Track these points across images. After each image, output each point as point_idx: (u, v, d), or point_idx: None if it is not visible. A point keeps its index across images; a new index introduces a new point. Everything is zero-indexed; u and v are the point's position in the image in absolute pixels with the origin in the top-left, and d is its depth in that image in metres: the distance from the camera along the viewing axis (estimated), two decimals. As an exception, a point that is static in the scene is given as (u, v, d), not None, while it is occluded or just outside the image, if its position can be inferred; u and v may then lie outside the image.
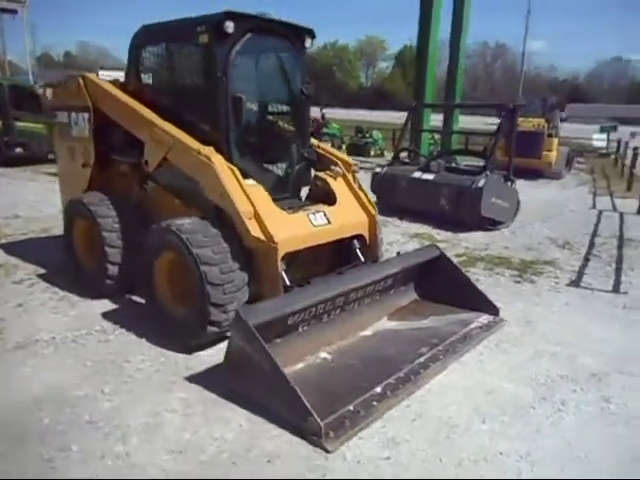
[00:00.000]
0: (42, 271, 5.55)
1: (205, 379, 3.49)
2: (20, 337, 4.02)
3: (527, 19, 42.10)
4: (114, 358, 3.76)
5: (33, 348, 3.86)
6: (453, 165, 9.14)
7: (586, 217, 9.62)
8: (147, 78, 4.76)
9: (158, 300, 4.11)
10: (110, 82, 4.94)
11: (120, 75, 5.35)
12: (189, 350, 3.87)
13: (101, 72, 8.40)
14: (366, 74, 70.05)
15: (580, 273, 6.12)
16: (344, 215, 4.48)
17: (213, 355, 3.85)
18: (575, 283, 5.78)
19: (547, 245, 7.42)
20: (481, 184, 7.61)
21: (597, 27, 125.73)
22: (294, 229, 3.98)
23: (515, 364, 3.86)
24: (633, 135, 19.62)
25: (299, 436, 2.89)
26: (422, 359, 3.79)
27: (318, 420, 2.83)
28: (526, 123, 13.85)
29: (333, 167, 4.75)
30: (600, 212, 10.05)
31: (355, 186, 4.76)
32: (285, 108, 4.56)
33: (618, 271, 6.21)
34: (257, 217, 3.80)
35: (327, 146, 5.07)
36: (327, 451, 2.78)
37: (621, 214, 9.91)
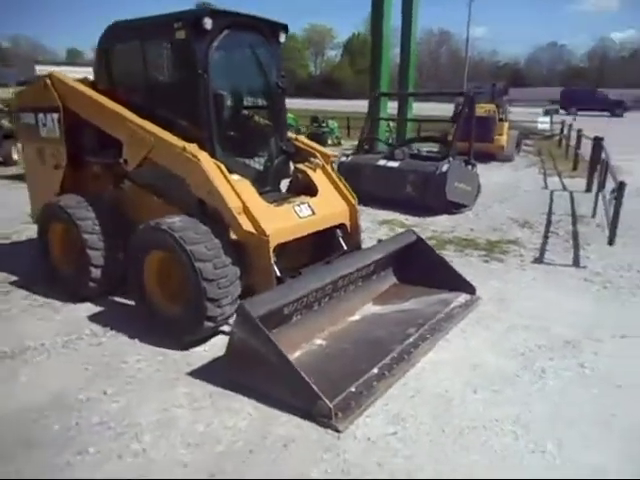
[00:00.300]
0: (14, 278, 5.39)
1: (206, 373, 3.55)
2: (6, 346, 3.94)
3: (470, 6, 43.18)
4: (110, 360, 3.75)
5: (23, 357, 3.80)
6: (415, 152, 9.40)
7: (540, 197, 10.15)
8: (118, 76, 4.69)
9: (148, 300, 4.12)
10: (79, 80, 4.84)
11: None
12: (184, 347, 3.91)
13: (38, 67, 8.13)
14: (315, 63, 70.04)
15: (542, 250, 6.52)
16: (326, 205, 4.61)
17: (208, 350, 3.92)
18: (539, 260, 6.15)
19: (509, 225, 7.82)
20: (445, 169, 7.91)
21: (534, 13, 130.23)
22: (282, 221, 4.08)
23: (496, 338, 4.13)
24: (574, 118, 20.67)
25: (308, 420, 3.02)
26: (411, 339, 3.99)
27: (328, 402, 2.97)
28: (478, 109, 14.32)
29: (312, 159, 4.85)
30: (552, 192, 10.62)
31: (334, 177, 4.89)
32: (262, 102, 4.62)
33: (576, 247, 6.64)
34: (247, 211, 3.87)
35: (304, 138, 5.16)
36: (338, 431, 2.93)
37: (571, 193, 10.52)
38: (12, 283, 5.26)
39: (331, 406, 2.97)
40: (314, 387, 3.02)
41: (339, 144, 18.20)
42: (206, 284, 3.67)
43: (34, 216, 5.60)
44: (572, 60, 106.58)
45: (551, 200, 9.73)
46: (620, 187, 5.74)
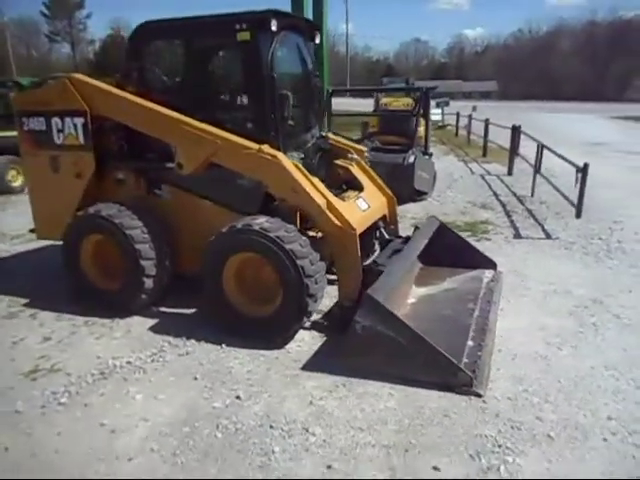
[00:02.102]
0: (24, 300, 4.92)
1: (321, 366, 3.67)
2: (92, 369, 3.68)
3: (346, 2, 44.91)
4: (213, 367, 3.70)
5: (118, 376, 3.60)
6: (375, 145, 9.89)
7: (475, 181, 11.25)
8: (156, 77, 4.51)
9: (229, 303, 4.07)
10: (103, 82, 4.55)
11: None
12: (278, 346, 3.96)
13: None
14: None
15: (515, 228, 7.37)
16: (374, 198, 4.88)
17: (302, 346, 4.01)
18: (518, 236, 6.97)
19: (471, 208, 8.65)
20: (412, 160, 8.50)
21: (398, 10, 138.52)
22: (356, 215, 4.27)
23: (539, 304, 4.73)
24: (474, 108, 22.76)
25: (447, 391, 3.31)
26: (477, 313, 4.42)
27: (469, 373, 3.30)
28: (396, 103, 15.27)
29: (349, 155, 5.07)
30: (482, 176, 11.80)
31: (369, 171, 5.16)
32: (306, 101, 4.74)
33: (539, 223, 7.59)
34: (331, 207, 4.01)
35: (336, 136, 5.34)
36: (480, 396, 3.27)
37: (498, 176, 11.77)
38: (28, 305, 4.82)
39: (472, 375, 3.30)
40: (454, 360, 3.32)
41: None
42: (307, 280, 3.77)
43: (40, 231, 5.14)
44: (435, 55, 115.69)
45: (487, 184, 10.83)
46: (584, 168, 6.72)
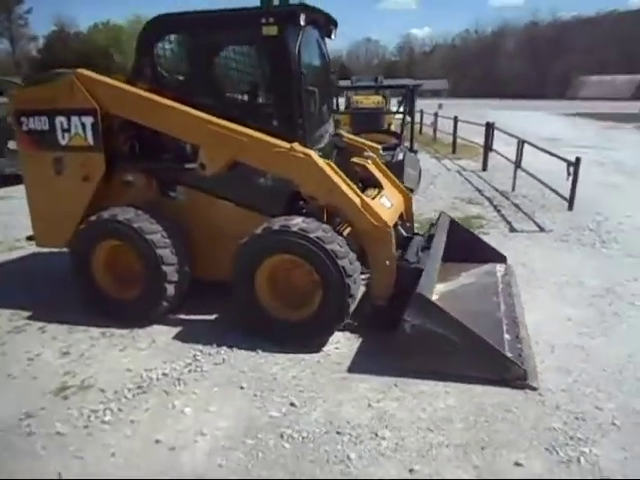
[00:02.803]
0: (27, 313, 4.58)
1: (367, 368, 3.60)
2: (128, 383, 3.46)
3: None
4: (255, 375, 3.55)
5: (157, 389, 3.40)
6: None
7: (453, 177, 11.46)
8: (171, 74, 4.30)
9: (262, 308, 3.93)
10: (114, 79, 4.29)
11: None
12: (313, 349, 3.86)
13: None
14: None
15: (507, 222, 7.53)
16: (393, 196, 4.84)
17: (340, 347, 3.93)
18: (513, 230, 7.13)
19: (460, 203, 8.79)
20: (401, 157, 8.52)
21: (348, 10, 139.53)
22: (385, 212, 4.22)
23: (556, 295, 4.84)
24: (440, 106, 23.18)
25: (501, 385, 3.32)
26: (503, 307, 4.47)
27: (522, 366, 3.32)
28: (367, 100, 15.36)
29: (365, 153, 5.02)
30: (458, 173, 12.04)
31: (384, 168, 5.12)
32: (324, 97, 4.64)
33: (528, 216, 7.80)
34: (365, 205, 3.94)
35: (347, 134, 5.27)
36: (535, 389, 3.29)
37: (474, 172, 12.04)
38: (33, 318, 4.49)
39: (525, 369, 3.32)
40: (507, 355, 3.34)
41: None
42: (348, 280, 3.69)
43: (41, 239, 4.82)
44: (385, 54, 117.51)
45: (467, 180, 11.05)
46: (577, 162, 6.95)
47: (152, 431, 2.98)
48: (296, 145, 3.89)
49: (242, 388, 3.40)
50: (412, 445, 2.82)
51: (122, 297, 4.32)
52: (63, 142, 4.36)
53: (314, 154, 3.90)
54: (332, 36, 4.69)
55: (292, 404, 3.21)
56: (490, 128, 11.98)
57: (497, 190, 9.82)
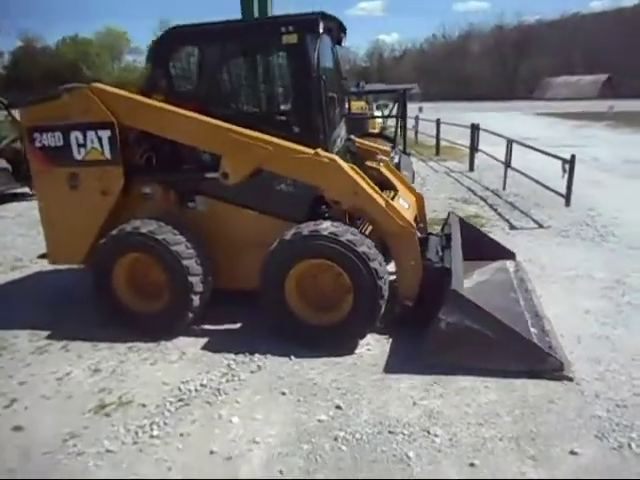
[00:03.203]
0: (45, 332, 4.47)
1: (403, 367, 3.64)
2: (168, 396, 3.42)
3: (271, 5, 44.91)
4: (294, 380, 3.56)
5: (198, 400, 3.37)
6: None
7: (443, 178, 11.65)
8: (186, 85, 4.30)
9: (292, 313, 3.94)
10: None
11: None
12: (345, 352, 3.89)
13: None
14: (113, 69, 65.07)
15: (506, 220, 7.69)
16: (407, 198, 4.91)
17: (372, 349, 3.97)
18: (513, 227, 7.29)
19: (455, 203, 8.94)
20: (397, 160, 8.61)
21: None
22: (406, 213, 4.28)
23: (570, 289, 4.97)
24: (421, 109, 23.49)
25: (536, 377, 3.40)
26: (523, 302, 4.57)
27: (559, 358, 3.41)
28: (352, 106, 15.51)
29: (378, 156, 5.08)
30: (447, 174, 12.23)
31: (396, 171, 5.19)
32: (338, 103, 4.70)
33: (526, 213, 7.98)
34: (390, 207, 3.99)
35: (358, 138, 5.33)
36: (571, 379, 3.38)
37: (461, 172, 12.26)
38: (54, 337, 4.39)
39: (562, 360, 3.41)
40: (543, 347, 3.42)
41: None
42: (380, 282, 3.73)
43: (55, 256, 4.74)
44: (356, 60, 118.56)
45: (457, 180, 11.23)
46: (572, 159, 7.16)
47: (204, 442, 2.95)
48: (320, 150, 3.92)
49: (284, 394, 3.40)
50: (466, 440, 2.87)
51: (146, 310, 4.27)
52: (79, 157, 4.31)
53: (338, 159, 3.94)
54: (342, 43, 4.76)
55: (338, 407, 3.23)
56: (475, 129, 12.22)
57: (488, 189, 10.02)
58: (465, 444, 2.84)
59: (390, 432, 2.96)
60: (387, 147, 5.46)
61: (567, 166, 7.30)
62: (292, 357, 3.85)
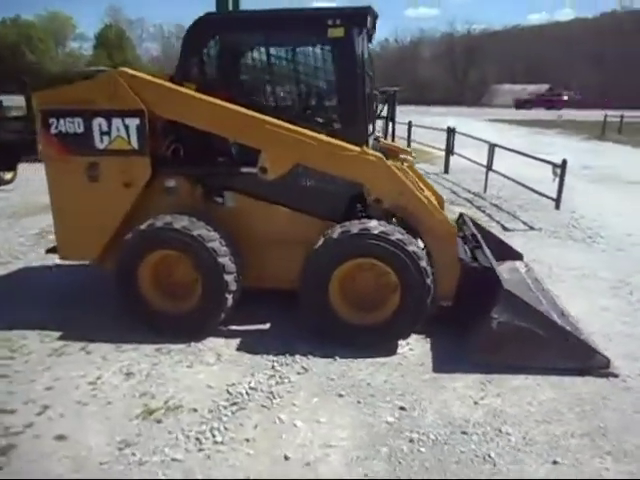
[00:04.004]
0: (57, 333, 4.15)
1: (452, 367, 3.63)
2: (219, 400, 3.25)
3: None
4: (347, 382, 3.48)
5: (254, 404, 3.22)
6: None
7: (421, 180, 11.78)
8: (221, 74, 4.11)
9: (335, 314, 3.86)
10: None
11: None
12: (388, 352, 3.85)
13: None
14: (57, 55, 61.88)
15: (497, 222, 7.90)
16: (432, 198, 4.92)
17: (414, 348, 3.95)
18: (506, 229, 7.49)
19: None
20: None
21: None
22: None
23: (581, 287, 5.16)
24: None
25: (582, 375, 3.49)
26: (544, 300, 4.69)
27: (605, 355, 3.51)
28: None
29: (402, 156, 5.07)
30: (425, 175, 12.40)
31: (418, 171, 5.20)
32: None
33: (514, 215, 8.23)
34: (433, 207, 3.98)
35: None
36: (616, 376, 3.49)
37: (437, 174, 12.49)
38: (69, 337, 4.08)
39: (609, 358, 3.52)
40: (591, 345, 3.52)
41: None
42: (429, 281, 3.72)
43: (67, 250, 4.41)
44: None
45: (436, 182, 11.41)
46: (563, 164, 7.45)
47: (273, 448, 2.83)
48: (365, 149, 3.86)
49: (341, 396, 3.31)
50: (540, 438, 2.90)
51: (173, 311, 4.06)
52: (101, 146, 4.02)
53: (383, 157, 3.89)
54: (372, 40, 4.71)
55: (402, 408, 3.18)
56: (451, 133, 12.50)
57: (470, 192, 10.25)
58: (540, 442, 2.86)
59: (463, 432, 2.95)
60: (408, 148, 5.43)
61: (558, 170, 7.59)
62: (337, 358, 3.76)
